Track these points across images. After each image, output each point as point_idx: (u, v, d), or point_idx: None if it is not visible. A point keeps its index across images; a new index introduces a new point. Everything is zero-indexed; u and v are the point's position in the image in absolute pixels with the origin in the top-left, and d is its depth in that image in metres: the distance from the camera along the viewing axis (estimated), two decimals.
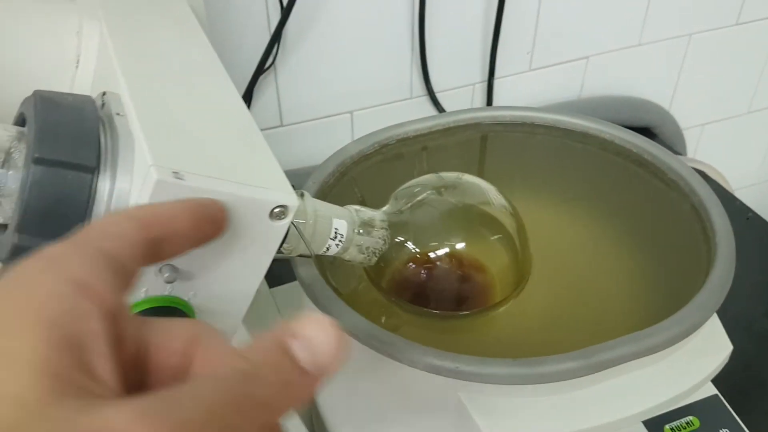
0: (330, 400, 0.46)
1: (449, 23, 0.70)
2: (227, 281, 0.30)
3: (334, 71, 0.70)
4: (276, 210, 0.28)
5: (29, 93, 0.30)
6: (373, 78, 0.72)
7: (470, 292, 0.39)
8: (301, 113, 0.71)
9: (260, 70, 0.64)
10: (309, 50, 0.67)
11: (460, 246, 0.39)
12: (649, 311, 0.40)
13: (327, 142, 0.73)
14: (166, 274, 0.28)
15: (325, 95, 0.71)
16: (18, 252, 0.26)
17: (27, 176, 0.26)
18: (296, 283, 0.43)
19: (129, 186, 0.27)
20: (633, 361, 0.36)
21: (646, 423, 0.40)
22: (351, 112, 0.73)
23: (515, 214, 0.40)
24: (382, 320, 0.40)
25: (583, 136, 0.50)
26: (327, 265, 0.41)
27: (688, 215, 0.44)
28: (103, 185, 0.27)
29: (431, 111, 0.76)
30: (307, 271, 0.40)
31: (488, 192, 0.40)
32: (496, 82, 0.77)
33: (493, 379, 0.34)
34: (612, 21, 0.79)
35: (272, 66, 0.66)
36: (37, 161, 0.25)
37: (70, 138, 0.26)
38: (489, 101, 0.77)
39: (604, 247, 0.45)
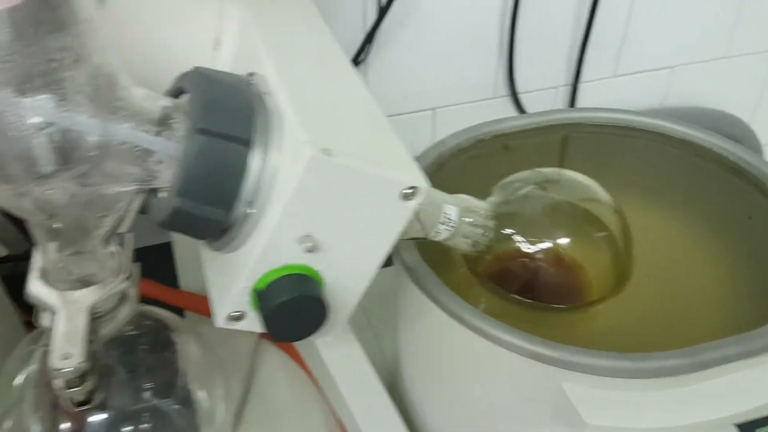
0: (420, 382, 0.47)
1: (540, 25, 0.71)
2: (354, 256, 0.32)
3: (421, 68, 0.71)
4: (407, 191, 0.30)
5: (171, 71, 0.32)
6: (458, 76, 0.73)
7: (569, 287, 0.40)
8: (386, 108, 0.72)
9: (353, 64, 0.66)
10: (398, 47, 0.69)
11: (562, 241, 0.40)
12: (744, 318, 0.40)
13: (408, 138, 0.74)
14: (307, 244, 0.29)
15: (410, 91, 0.73)
16: (178, 215, 0.29)
17: (190, 145, 0.28)
18: (385, 270, 0.44)
19: (278, 162, 0.29)
20: (731, 364, 0.36)
21: (739, 426, 0.41)
22: (433, 109, 0.75)
23: (620, 212, 0.40)
24: (481, 307, 0.41)
25: (681, 143, 0.50)
26: (427, 251, 0.42)
27: None
28: (255, 159, 0.29)
29: (513, 111, 0.76)
30: (410, 255, 0.41)
31: (591, 188, 0.41)
32: (580, 87, 0.77)
33: (601, 371, 0.35)
34: (699, 32, 0.78)
35: (364, 61, 0.68)
36: (201, 132, 0.27)
37: (230, 112, 0.28)
38: (572, 105, 0.78)
39: (699, 251, 0.45)
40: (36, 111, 0.26)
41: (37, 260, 0.33)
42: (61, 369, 0.28)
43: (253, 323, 0.32)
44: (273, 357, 0.57)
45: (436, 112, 0.75)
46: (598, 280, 0.40)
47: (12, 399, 0.36)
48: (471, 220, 0.38)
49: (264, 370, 0.56)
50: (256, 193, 0.29)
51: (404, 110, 0.74)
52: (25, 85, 0.25)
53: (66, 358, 0.28)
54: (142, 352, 0.37)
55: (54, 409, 0.35)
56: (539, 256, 0.39)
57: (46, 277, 0.32)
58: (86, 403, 0.31)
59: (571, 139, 0.54)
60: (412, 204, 0.30)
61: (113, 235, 0.33)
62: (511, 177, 0.42)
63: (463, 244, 0.39)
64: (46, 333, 0.36)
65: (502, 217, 0.39)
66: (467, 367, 0.40)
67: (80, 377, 0.29)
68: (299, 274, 0.30)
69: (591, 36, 0.72)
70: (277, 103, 0.30)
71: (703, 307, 0.43)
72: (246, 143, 0.28)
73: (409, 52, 0.70)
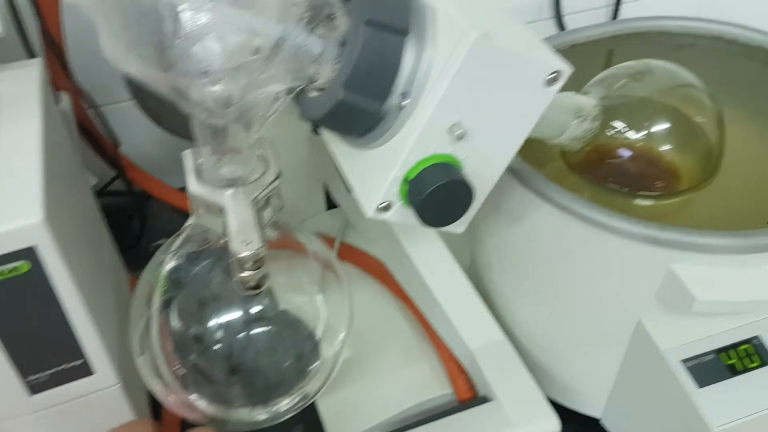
0: (510, 283, 0.50)
1: None
2: (495, 143, 0.34)
3: None
4: (551, 76, 0.32)
5: None
6: None
7: (664, 175, 0.43)
8: None
9: None
10: None
11: (660, 130, 0.42)
12: None
13: None
14: (457, 132, 0.31)
15: None
16: (340, 107, 0.30)
17: (357, 37, 0.29)
18: None
19: (433, 53, 0.30)
20: None
21: None
22: None
23: (713, 97, 0.42)
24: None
25: (739, 46, 0.52)
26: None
27: None
28: (410, 51, 0.30)
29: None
30: None
31: (683, 74, 0.42)
32: (621, 6, 0.78)
33: (710, 249, 0.37)
34: None
35: None
36: (369, 23, 0.29)
37: (391, 4, 0.30)
38: None
39: None
40: (208, 13, 0.27)
41: (190, 162, 0.34)
42: (243, 254, 0.30)
43: (399, 212, 0.34)
44: (351, 274, 0.59)
45: None
46: (694, 167, 0.42)
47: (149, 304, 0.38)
48: (579, 118, 0.40)
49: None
50: (410, 84, 0.31)
51: None
52: None
53: (247, 243, 0.30)
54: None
55: (197, 306, 0.37)
56: (638, 146, 0.41)
57: (200, 176, 0.34)
58: (258, 288, 0.33)
59: (618, 53, 0.55)
60: (554, 89, 0.32)
61: (260, 139, 0.35)
62: (602, 74, 0.44)
63: (567, 139, 0.41)
64: (194, 232, 0.38)
65: (604, 111, 0.41)
66: (577, 258, 0.42)
67: (257, 262, 0.31)
68: (446, 163, 0.32)
69: None
70: None
71: None
72: (405, 34, 0.30)
73: None
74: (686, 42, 0.54)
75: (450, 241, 0.51)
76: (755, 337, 0.42)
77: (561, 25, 0.77)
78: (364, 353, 0.54)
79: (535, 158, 0.45)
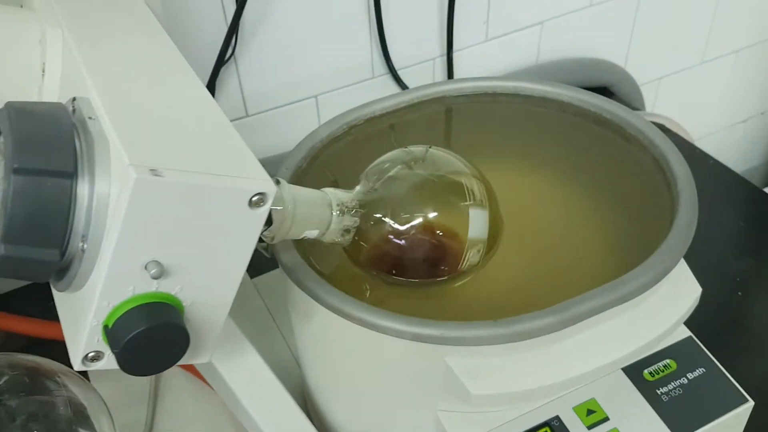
0: (319, 379, 0.47)
1: None
2: (212, 272, 0.31)
3: (295, 57, 0.70)
4: (254, 198, 0.29)
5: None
6: (334, 60, 0.72)
7: (447, 259, 0.41)
8: (265, 102, 0.71)
9: (220, 62, 0.64)
10: (268, 38, 0.67)
11: (432, 216, 0.40)
12: (620, 262, 0.41)
13: (294, 129, 0.74)
14: (153, 270, 0.28)
15: (289, 82, 0.71)
16: (5, 262, 0.27)
17: (8, 187, 0.26)
18: (278, 270, 0.43)
19: (108, 188, 0.27)
20: (608, 311, 0.37)
21: (626, 370, 0.42)
22: (315, 97, 0.74)
23: (483, 181, 0.41)
24: (366, 295, 0.41)
25: (543, 101, 0.51)
26: (308, 248, 0.42)
27: (649, 167, 0.45)
28: (83, 189, 0.28)
29: (395, 89, 0.76)
30: (289, 256, 0.41)
31: (456, 162, 0.41)
32: (455, 55, 0.78)
33: (477, 342, 0.36)
34: None
35: (232, 57, 0.66)
36: (17, 171, 0.26)
37: (47, 146, 0.27)
38: (450, 74, 0.78)
39: (572, 205, 0.47)
40: None
41: None
42: None
43: (114, 362, 0.31)
44: (178, 378, 0.56)
45: (318, 100, 0.74)
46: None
47: None
48: (339, 212, 0.38)
49: (169, 393, 0.55)
50: (88, 225, 0.28)
51: (285, 102, 0.73)
52: None
53: None
54: (16, 403, 0.35)
55: None
56: (412, 234, 0.40)
57: None
58: None
59: (444, 112, 0.54)
60: (263, 210, 0.30)
61: None
62: (380, 158, 0.42)
63: (338, 237, 0.39)
64: None
65: (370, 203, 0.39)
66: (357, 357, 0.40)
67: None
68: (149, 303, 0.29)
69: (456, 3, 0.72)
70: (101, 127, 0.29)
71: (586, 258, 0.44)
72: (68, 175, 0.27)
73: (278, 42, 0.68)
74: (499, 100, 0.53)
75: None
76: (555, 418, 0.40)
77: (398, 80, 0.75)
78: None
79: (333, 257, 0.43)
